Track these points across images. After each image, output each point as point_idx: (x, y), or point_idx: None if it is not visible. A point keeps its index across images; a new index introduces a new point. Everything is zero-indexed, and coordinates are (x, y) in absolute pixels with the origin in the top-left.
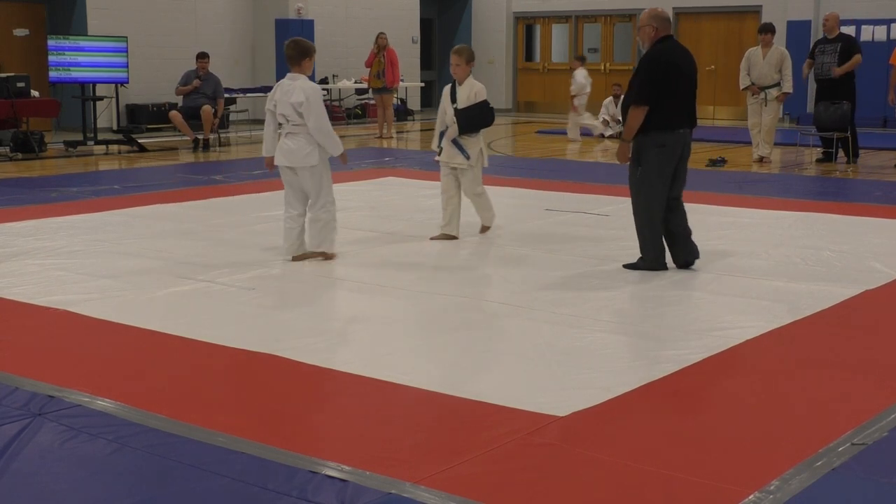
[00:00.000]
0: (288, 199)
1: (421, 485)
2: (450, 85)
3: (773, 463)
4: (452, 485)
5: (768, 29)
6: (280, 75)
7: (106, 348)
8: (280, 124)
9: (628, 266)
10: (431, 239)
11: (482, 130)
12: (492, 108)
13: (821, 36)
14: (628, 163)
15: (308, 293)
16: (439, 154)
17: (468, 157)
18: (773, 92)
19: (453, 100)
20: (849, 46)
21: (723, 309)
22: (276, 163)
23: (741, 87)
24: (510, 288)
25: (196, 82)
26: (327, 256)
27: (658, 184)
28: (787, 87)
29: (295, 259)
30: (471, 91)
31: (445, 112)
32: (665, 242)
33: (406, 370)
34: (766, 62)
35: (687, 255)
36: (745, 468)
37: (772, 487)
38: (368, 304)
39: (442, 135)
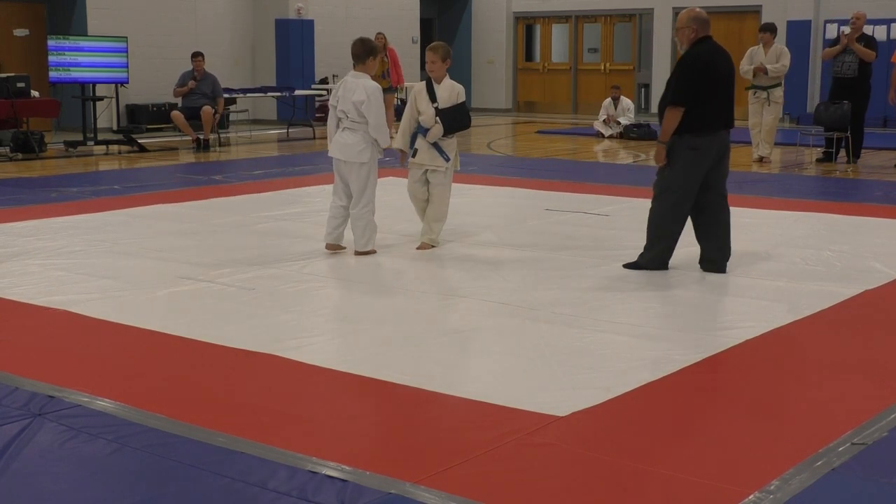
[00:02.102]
0: (336, 189)
1: (421, 485)
2: (423, 83)
3: (773, 463)
4: (452, 485)
5: (769, 28)
6: (280, 75)
7: (106, 348)
8: (339, 119)
9: (629, 266)
10: (418, 249)
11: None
12: (468, 110)
13: (828, 35)
14: (663, 164)
15: (308, 293)
16: (413, 156)
17: (448, 160)
18: (775, 92)
19: (433, 99)
20: (869, 44)
21: (723, 309)
22: (330, 154)
23: (742, 72)
24: (510, 288)
25: (191, 83)
26: (369, 252)
27: (685, 187)
28: (782, 67)
29: (328, 247)
30: (452, 91)
31: (420, 112)
32: (696, 238)
33: (406, 370)
34: (767, 61)
35: (711, 261)
36: (745, 468)
37: (772, 487)
38: (368, 304)
39: (414, 136)
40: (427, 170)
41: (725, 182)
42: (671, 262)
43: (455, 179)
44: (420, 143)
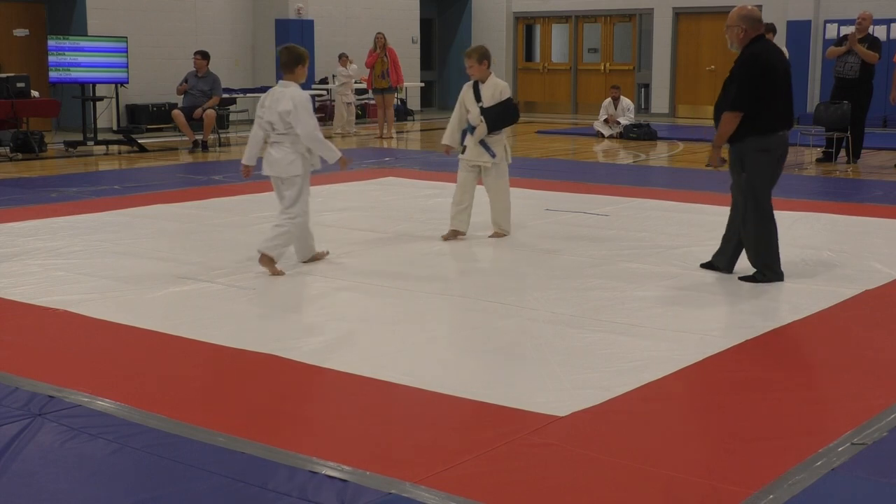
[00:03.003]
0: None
1: (421, 485)
2: (470, 84)
3: (773, 463)
4: (452, 485)
5: (769, 28)
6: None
7: (106, 348)
8: (266, 131)
9: (745, 279)
10: (443, 238)
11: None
12: (516, 105)
13: (828, 35)
14: (721, 167)
15: (308, 293)
16: (462, 153)
17: (494, 156)
18: None
19: (478, 98)
20: (872, 45)
21: (723, 309)
22: (263, 172)
23: None
24: (510, 288)
25: (183, 85)
26: (270, 265)
27: (767, 188)
28: None
29: (308, 262)
30: (495, 90)
31: (467, 111)
32: (722, 242)
33: (406, 370)
34: None
35: (728, 263)
36: (745, 468)
37: (772, 487)
38: (368, 304)
39: (464, 133)
40: (479, 166)
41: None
42: (673, 263)
43: (454, 180)
44: (468, 140)
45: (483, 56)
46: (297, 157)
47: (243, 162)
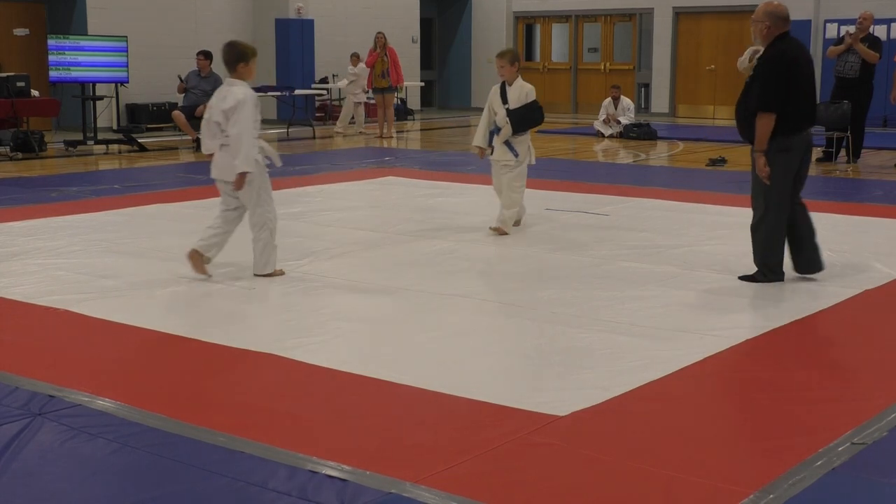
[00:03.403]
0: (224, 204)
1: (421, 485)
2: (498, 85)
3: (773, 463)
4: (452, 484)
5: None
6: (280, 75)
7: (106, 348)
8: (214, 132)
9: (745, 278)
10: (490, 228)
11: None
12: (541, 107)
13: (828, 35)
14: (767, 175)
15: (308, 293)
16: (491, 153)
17: (517, 156)
18: None
19: (504, 100)
20: (873, 45)
21: (722, 309)
22: (211, 175)
23: (740, 68)
24: (510, 288)
25: (180, 85)
26: (271, 275)
27: (783, 190)
28: None
29: (189, 253)
30: (521, 92)
31: (495, 112)
32: (788, 249)
33: (406, 370)
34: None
35: (811, 265)
36: (745, 468)
37: (772, 487)
38: (368, 304)
39: (492, 134)
40: (507, 165)
41: (802, 188)
42: (673, 263)
43: (454, 179)
44: (495, 140)
45: (515, 58)
46: None
47: (205, 151)
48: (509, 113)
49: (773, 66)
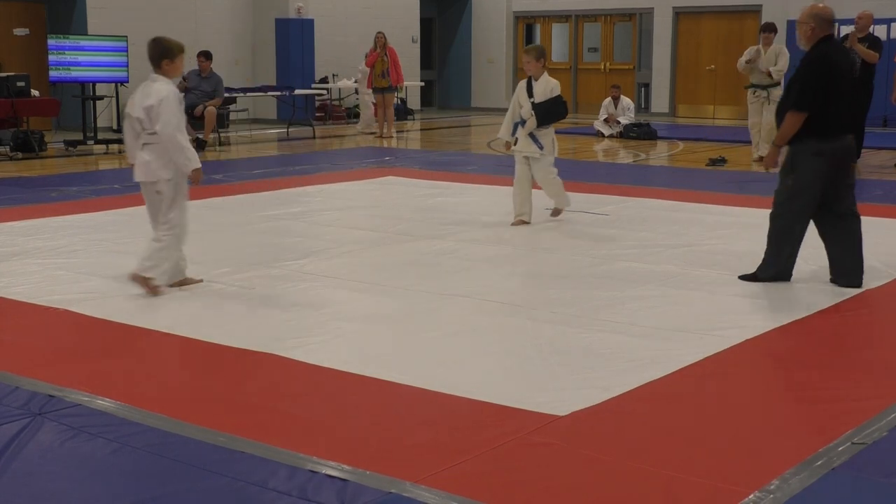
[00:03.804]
0: (152, 218)
1: (421, 484)
2: (525, 80)
3: (773, 463)
4: (452, 484)
5: (771, 28)
6: (280, 75)
7: (106, 348)
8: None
9: (745, 277)
10: (512, 225)
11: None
12: (565, 102)
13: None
14: (774, 170)
15: (308, 293)
16: (514, 144)
17: (541, 148)
18: (774, 91)
19: (530, 94)
20: (873, 45)
21: (723, 309)
22: (135, 178)
23: (739, 67)
24: (510, 288)
25: (182, 83)
26: (146, 285)
27: (810, 195)
28: (782, 66)
29: (174, 286)
30: (547, 86)
31: (521, 105)
32: (828, 257)
33: (406, 370)
34: (767, 61)
35: (850, 278)
36: (745, 468)
37: (772, 487)
38: (368, 304)
39: (517, 126)
40: (528, 156)
41: (853, 192)
42: (673, 263)
43: (454, 179)
44: (519, 132)
45: (540, 54)
46: (168, 160)
47: (130, 161)
48: (534, 106)
49: (814, 68)
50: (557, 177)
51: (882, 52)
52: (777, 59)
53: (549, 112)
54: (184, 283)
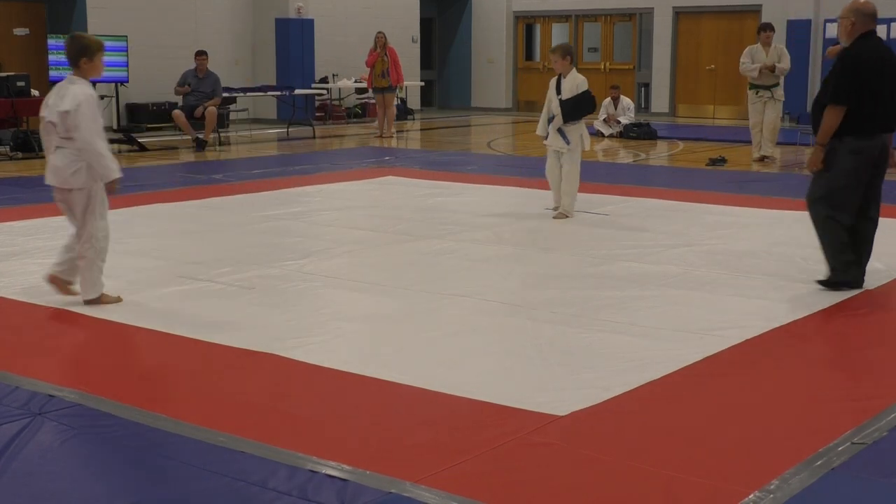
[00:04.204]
0: (69, 220)
1: (421, 484)
2: (555, 78)
3: (773, 463)
4: (452, 484)
5: (770, 27)
6: (280, 75)
7: (106, 348)
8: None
9: (823, 283)
10: (554, 218)
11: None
12: (593, 97)
13: (829, 35)
14: (817, 169)
15: (308, 293)
16: (546, 139)
17: (568, 143)
18: (777, 91)
19: (558, 91)
20: None
21: (723, 309)
22: (46, 181)
23: (744, 70)
24: (510, 288)
25: (186, 88)
26: (102, 301)
27: (849, 192)
28: (786, 65)
29: (50, 279)
30: (573, 83)
31: (551, 101)
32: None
33: (406, 370)
34: (770, 61)
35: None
36: (745, 468)
37: (772, 487)
38: (368, 304)
39: (549, 122)
40: (557, 150)
41: (879, 197)
42: (673, 263)
43: (454, 179)
44: (549, 127)
45: (566, 52)
46: (84, 167)
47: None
48: (561, 103)
49: (852, 62)
50: (577, 175)
51: None
52: (780, 58)
53: (574, 108)
54: (102, 300)
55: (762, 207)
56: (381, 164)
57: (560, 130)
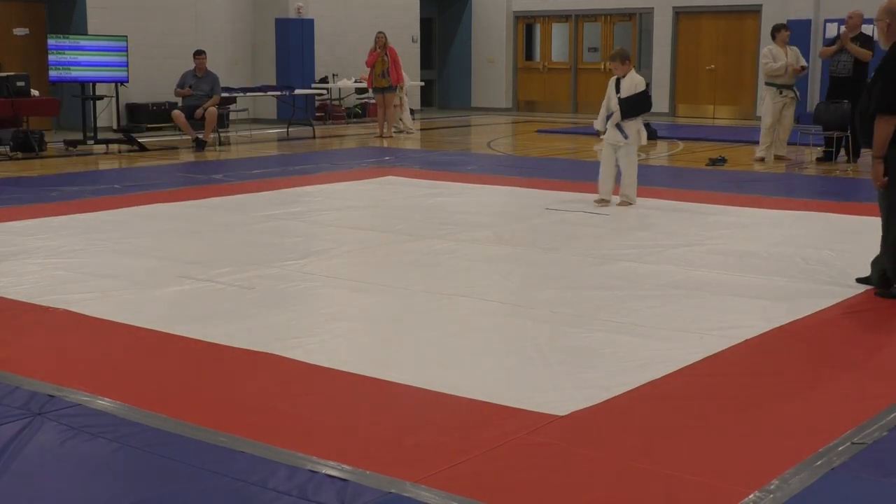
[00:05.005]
0: None
1: (421, 484)
2: (615, 78)
3: (773, 463)
4: (452, 484)
5: (786, 27)
6: (280, 75)
7: (106, 348)
8: None
9: (882, 294)
10: (595, 202)
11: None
12: (649, 96)
13: (829, 35)
14: (883, 185)
15: (308, 292)
16: (603, 133)
17: (626, 137)
18: (795, 91)
19: (618, 90)
20: (865, 44)
21: (723, 309)
22: None
23: (769, 70)
24: (510, 287)
25: (187, 90)
26: None
27: None
28: (804, 64)
29: None
30: (632, 83)
31: (610, 100)
32: (877, 260)
33: (406, 370)
34: (790, 60)
35: (877, 279)
36: (745, 468)
37: (772, 487)
38: (368, 304)
39: (607, 118)
40: (614, 145)
41: None
42: (673, 263)
43: (455, 179)
44: (608, 123)
45: (624, 57)
46: None
47: None
48: (620, 101)
49: (893, 67)
50: (636, 168)
51: (874, 50)
52: (797, 58)
53: (633, 106)
54: None
55: (762, 207)
56: (381, 164)
57: (619, 126)
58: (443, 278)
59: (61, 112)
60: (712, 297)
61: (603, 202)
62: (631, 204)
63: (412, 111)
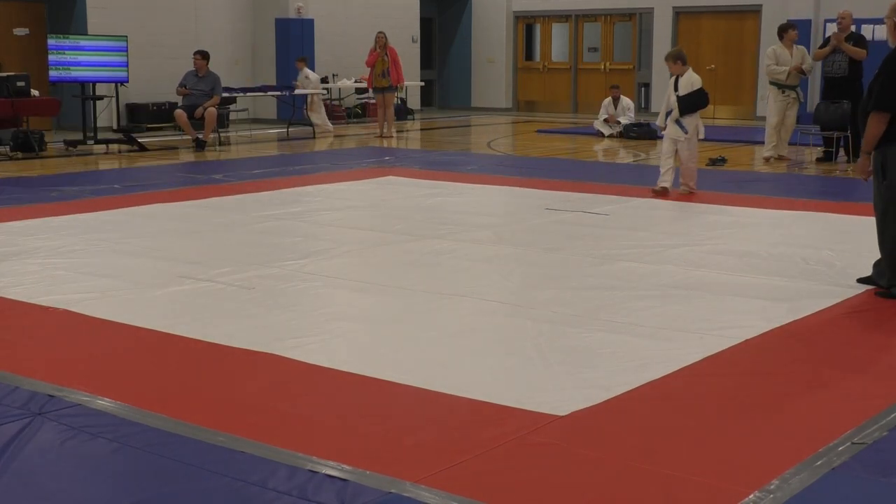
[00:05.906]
0: None
1: (421, 484)
2: (674, 77)
3: (773, 463)
4: (452, 484)
5: (793, 26)
6: (280, 75)
7: (106, 348)
8: None
9: (882, 294)
10: (653, 191)
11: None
12: (706, 93)
13: (828, 35)
14: (867, 178)
15: (308, 292)
16: (664, 129)
17: (686, 132)
18: (798, 91)
19: (676, 88)
20: (858, 43)
21: (723, 309)
22: None
23: (773, 72)
24: (510, 287)
25: (184, 89)
26: None
27: None
28: (810, 64)
29: None
30: (689, 81)
31: (670, 97)
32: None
33: (406, 370)
34: (795, 61)
35: (877, 278)
36: (745, 468)
37: (772, 487)
38: (368, 304)
39: (668, 115)
40: (674, 139)
41: None
42: (673, 263)
43: (454, 179)
44: (668, 119)
45: (678, 58)
46: None
47: None
48: (678, 99)
49: (893, 66)
50: (696, 161)
51: (868, 49)
52: (803, 58)
53: (690, 103)
54: None
55: (762, 207)
56: (381, 164)
57: (678, 121)
58: (443, 278)
59: (61, 112)
60: (712, 297)
61: (663, 190)
62: (693, 192)
63: (412, 111)
